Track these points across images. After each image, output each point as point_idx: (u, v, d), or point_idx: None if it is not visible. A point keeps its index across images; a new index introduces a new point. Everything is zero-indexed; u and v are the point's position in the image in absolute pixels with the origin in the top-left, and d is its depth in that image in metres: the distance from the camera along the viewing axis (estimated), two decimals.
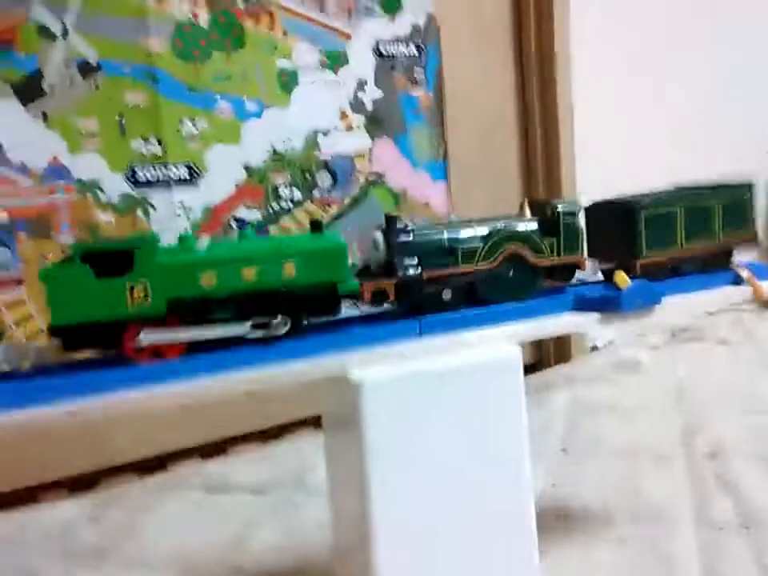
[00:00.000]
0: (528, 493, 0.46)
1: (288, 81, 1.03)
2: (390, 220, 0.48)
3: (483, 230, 0.50)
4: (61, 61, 0.88)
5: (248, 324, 0.42)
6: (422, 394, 0.42)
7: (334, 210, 1.08)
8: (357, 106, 1.10)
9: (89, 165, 0.90)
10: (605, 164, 1.28)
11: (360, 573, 0.43)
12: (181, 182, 0.96)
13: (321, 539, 0.68)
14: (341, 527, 0.49)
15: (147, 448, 0.95)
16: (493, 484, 0.44)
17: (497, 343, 0.45)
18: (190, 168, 0.96)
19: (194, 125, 0.96)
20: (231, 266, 0.42)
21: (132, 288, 0.40)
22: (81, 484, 0.90)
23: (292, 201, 1.05)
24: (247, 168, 1.01)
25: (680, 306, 0.52)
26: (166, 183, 0.95)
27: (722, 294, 0.54)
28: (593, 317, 0.48)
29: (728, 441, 0.84)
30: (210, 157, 0.98)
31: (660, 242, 0.53)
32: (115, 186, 0.92)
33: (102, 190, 0.91)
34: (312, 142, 1.06)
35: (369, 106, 1.10)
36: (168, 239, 0.92)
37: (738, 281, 0.55)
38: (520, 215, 0.53)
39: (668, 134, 1.43)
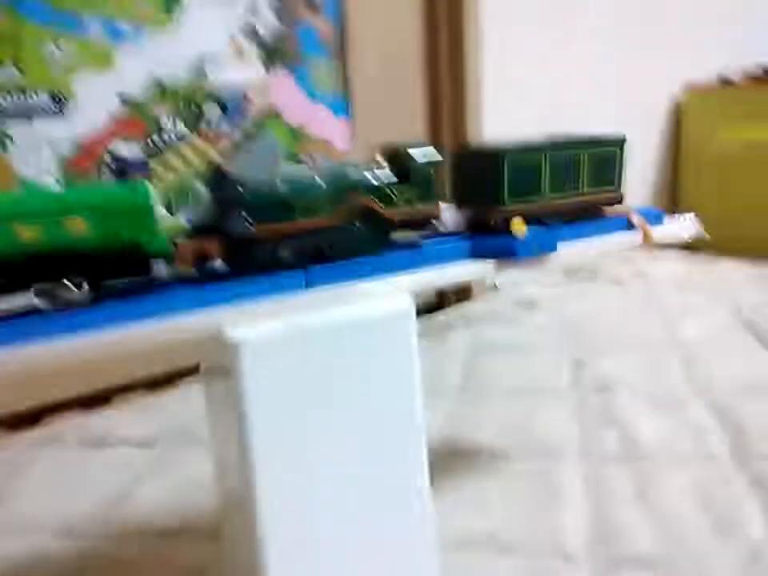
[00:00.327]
0: (421, 450, 0.44)
1: (172, 3, 0.93)
2: (216, 170, 0.42)
3: (326, 180, 0.44)
4: None
5: (36, 296, 0.36)
6: (307, 351, 0.38)
7: (224, 144, 1.01)
8: (249, 32, 1.01)
9: None
10: (512, 104, 1.27)
11: (245, 535, 0.40)
12: (44, 111, 0.85)
13: (209, 494, 0.65)
14: (226, 484, 0.46)
15: (19, 401, 0.88)
16: (385, 441, 0.42)
17: (387, 294, 0.42)
18: (54, 97, 0.85)
19: (60, 49, 0.85)
20: (1, 222, 0.35)
21: None
22: None
23: (176, 135, 0.96)
24: (123, 97, 0.91)
25: (574, 252, 0.51)
26: (26, 113, 0.84)
27: (615, 239, 0.54)
28: (488, 265, 0.47)
29: (615, 377, 0.88)
30: (79, 85, 0.87)
31: (523, 192, 0.50)
32: None
33: None
34: (198, 71, 0.97)
35: (263, 33, 1.02)
36: (32, 175, 0.84)
37: (630, 226, 0.55)
38: (372, 163, 0.48)
39: (578, 80, 1.43)
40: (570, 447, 0.71)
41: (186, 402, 0.89)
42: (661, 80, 1.63)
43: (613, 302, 1.21)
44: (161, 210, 0.39)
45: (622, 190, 0.57)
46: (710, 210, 1.60)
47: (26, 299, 0.36)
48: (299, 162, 1.09)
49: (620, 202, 0.57)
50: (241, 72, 1.01)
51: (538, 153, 0.51)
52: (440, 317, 1.18)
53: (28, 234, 0.35)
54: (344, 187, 0.44)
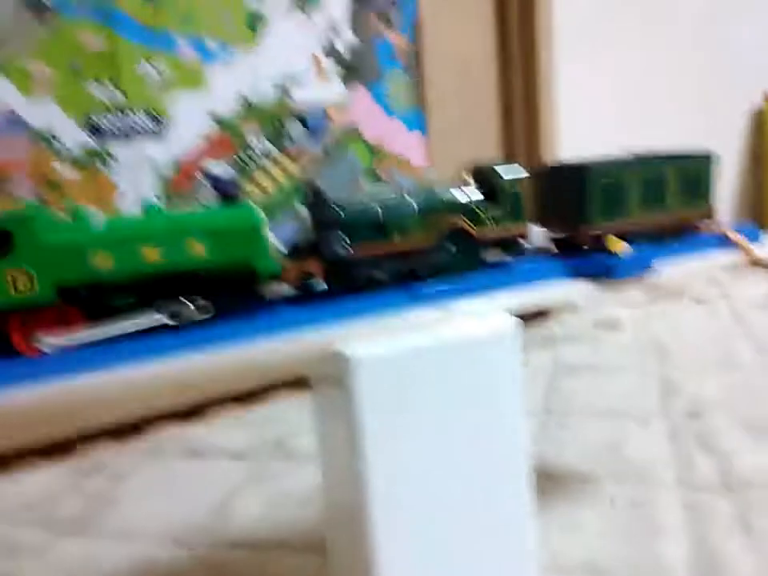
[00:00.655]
0: (525, 467, 0.44)
1: (258, 23, 0.96)
2: (316, 191, 0.43)
3: (417, 200, 0.45)
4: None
5: (160, 313, 0.38)
6: (417, 368, 0.39)
7: (306, 161, 1.03)
8: (329, 49, 1.03)
9: (43, 112, 0.83)
10: (589, 119, 1.25)
11: (355, 548, 0.41)
12: (143, 130, 0.89)
13: (305, 508, 0.66)
14: (333, 499, 0.46)
15: (124, 412, 0.92)
16: (490, 459, 0.42)
17: (492, 314, 0.42)
18: (151, 116, 0.89)
19: (154, 67, 0.89)
20: (129, 244, 0.37)
21: (14, 274, 0.35)
22: (56, 451, 0.87)
23: (263, 152, 0.99)
24: (214, 116, 0.94)
25: (673, 271, 0.50)
26: (126, 132, 0.88)
27: (713, 258, 0.52)
28: (587, 285, 0.46)
29: (707, 400, 0.84)
30: (173, 103, 0.91)
31: (611, 211, 0.50)
32: (72, 135, 0.85)
33: (57, 140, 0.84)
34: (283, 89, 0.99)
35: (343, 51, 1.04)
36: (134, 195, 0.88)
37: (725, 244, 0.53)
38: (461, 182, 0.48)
39: (652, 92, 1.39)
40: (665, 473, 0.68)
41: (278, 416, 0.91)
42: (741, 90, 1.57)
43: (698, 322, 1.17)
44: (268, 232, 0.41)
45: (713, 205, 0.55)
46: None
47: (148, 317, 0.38)
48: (378, 179, 1.10)
49: (711, 217, 0.55)
50: (322, 89, 1.03)
51: (625, 169, 0.50)
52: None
53: (152, 255, 0.37)
54: (435, 207, 0.45)
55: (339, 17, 1.03)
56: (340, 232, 0.42)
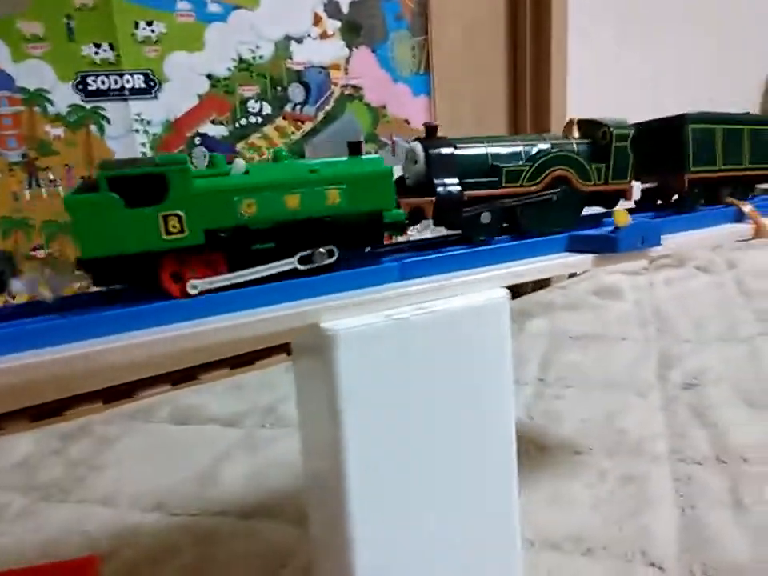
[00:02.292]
0: (511, 441, 0.43)
1: None
2: (430, 129, 0.44)
3: (529, 149, 0.46)
4: None
5: (295, 259, 0.39)
6: (402, 342, 0.38)
7: (306, 126, 1.01)
8: (332, 9, 1.00)
9: (34, 72, 0.81)
10: (596, 93, 1.22)
11: (333, 517, 0.41)
12: (137, 91, 0.87)
13: (292, 475, 0.67)
14: (312, 469, 0.46)
15: (113, 378, 0.92)
16: (475, 433, 0.42)
17: (482, 287, 0.41)
18: (146, 77, 0.87)
19: (152, 29, 0.87)
20: (273, 192, 0.38)
21: (166, 218, 0.36)
22: (45, 413, 0.87)
23: (261, 115, 0.97)
24: (211, 77, 0.92)
25: (680, 244, 0.48)
26: (121, 93, 0.86)
27: (724, 231, 0.51)
28: (587, 258, 0.45)
29: (704, 371, 0.84)
30: (170, 65, 0.89)
31: (703, 160, 0.52)
32: (64, 96, 0.83)
33: (50, 102, 0.83)
34: (283, 50, 0.97)
35: (345, 10, 1.01)
36: (126, 154, 0.86)
37: (740, 217, 0.52)
38: (567, 134, 0.50)
39: (658, 74, 1.34)
40: (658, 446, 0.68)
41: (271, 381, 0.91)
42: (754, 66, 1.52)
43: (700, 290, 1.15)
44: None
45: None
46: None
47: (283, 263, 0.39)
48: (379, 142, 1.08)
49: None
50: (323, 49, 1.01)
51: (714, 122, 0.53)
52: (518, 304, 1.15)
53: (293, 202, 0.38)
54: (542, 156, 0.46)
55: None
56: (454, 174, 0.43)
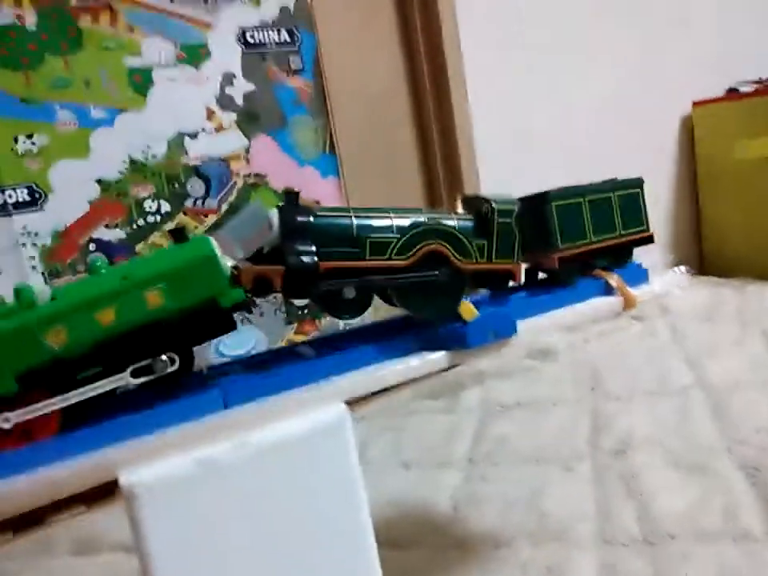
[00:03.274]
0: (374, 567, 0.39)
1: (142, 81, 0.93)
2: (289, 197, 0.40)
3: (401, 221, 0.42)
4: None
5: (127, 373, 0.36)
6: (215, 487, 0.34)
7: (210, 219, 0.99)
8: (225, 102, 1.00)
9: None
10: (504, 158, 1.22)
11: None
12: (21, 205, 0.85)
13: None
14: None
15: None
16: (328, 568, 0.37)
17: (319, 405, 0.38)
18: (30, 189, 0.85)
19: (33, 142, 0.85)
20: (81, 313, 0.34)
21: None
22: None
23: (160, 214, 0.95)
24: (101, 182, 0.90)
25: (539, 328, 0.46)
26: (3, 209, 0.83)
27: (592, 307, 0.48)
28: (438, 357, 0.42)
29: (633, 434, 0.80)
30: (55, 175, 0.87)
31: (573, 235, 0.50)
32: None
33: None
34: (177, 147, 0.96)
35: (239, 102, 1.01)
36: (13, 270, 0.83)
37: (609, 289, 0.50)
38: (451, 210, 0.46)
39: (565, 132, 1.36)
40: (583, 529, 0.64)
41: None
42: (670, 98, 1.56)
43: (634, 342, 1.13)
44: (223, 260, 0.37)
45: (649, 227, 0.56)
46: (731, 223, 1.51)
47: (111, 380, 0.36)
48: None
49: (652, 240, 0.55)
50: (222, 143, 1.00)
51: (579, 195, 0.51)
52: (451, 375, 1.12)
53: (109, 317, 0.34)
54: (418, 230, 0.42)
55: (232, 66, 1.00)
56: (309, 242, 0.39)
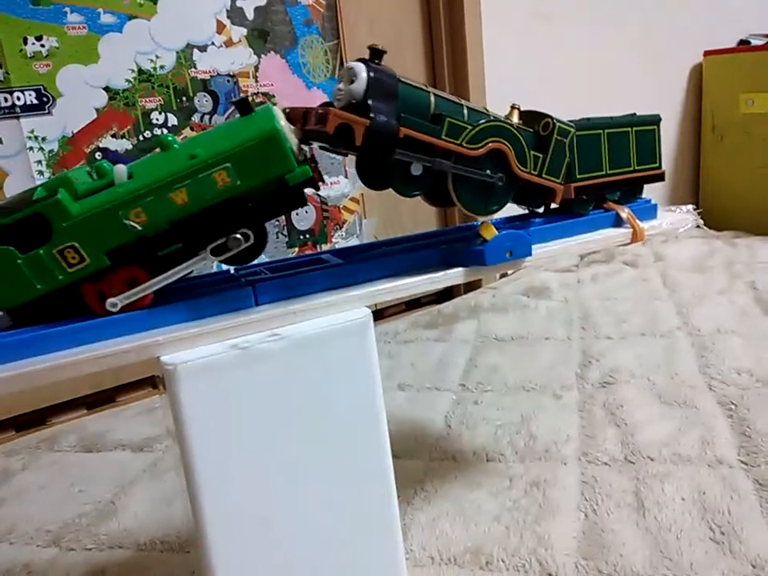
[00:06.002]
0: (387, 464, 0.42)
1: None
2: (376, 53, 0.39)
3: (473, 113, 0.43)
4: None
5: (207, 251, 0.37)
6: (249, 373, 0.36)
7: None
8: (236, 15, 0.97)
9: None
10: (518, 84, 1.22)
11: (200, 554, 0.39)
12: (29, 108, 0.83)
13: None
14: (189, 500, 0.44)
15: (28, 402, 0.88)
16: (346, 459, 0.40)
17: (342, 309, 0.40)
18: (38, 93, 0.84)
19: (42, 45, 0.83)
20: (156, 195, 0.35)
21: (62, 253, 0.35)
22: None
23: (167, 127, 0.94)
24: (109, 90, 0.89)
25: (553, 253, 0.47)
26: (11, 111, 0.82)
27: (602, 236, 0.50)
28: (456, 273, 0.43)
29: (620, 369, 0.84)
30: (63, 79, 0.85)
31: (589, 167, 0.52)
32: None
33: None
34: (185, 59, 0.94)
35: (250, 16, 0.99)
36: (20, 174, 0.83)
37: (619, 221, 0.51)
38: (508, 118, 0.47)
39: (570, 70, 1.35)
40: (569, 450, 0.68)
41: None
42: (682, 47, 1.54)
43: (626, 285, 1.16)
44: (289, 134, 0.37)
45: (661, 165, 0.57)
46: (731, 177, 1.53)
47: (196, 260, 0.38)
48: None
49: (663, 178, 0.57)
50: (231, 58, 0.98)
51: (600, 128, 0.52)
52: (448, 307, 1.15)
53: (182, 198, 0.36)
54: (488, 126, 0.43)
55: None
56: (393, 102, 0.39)
